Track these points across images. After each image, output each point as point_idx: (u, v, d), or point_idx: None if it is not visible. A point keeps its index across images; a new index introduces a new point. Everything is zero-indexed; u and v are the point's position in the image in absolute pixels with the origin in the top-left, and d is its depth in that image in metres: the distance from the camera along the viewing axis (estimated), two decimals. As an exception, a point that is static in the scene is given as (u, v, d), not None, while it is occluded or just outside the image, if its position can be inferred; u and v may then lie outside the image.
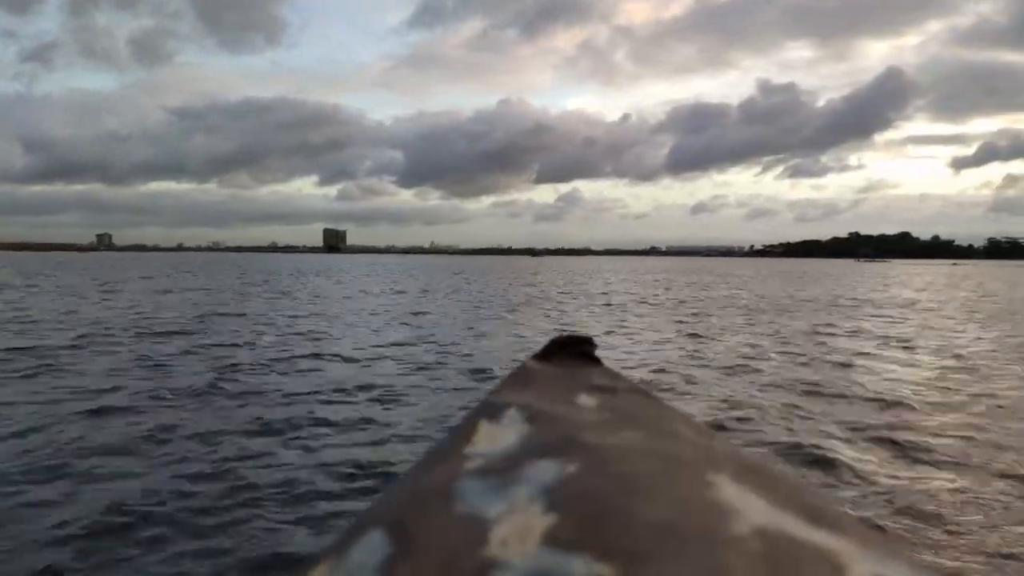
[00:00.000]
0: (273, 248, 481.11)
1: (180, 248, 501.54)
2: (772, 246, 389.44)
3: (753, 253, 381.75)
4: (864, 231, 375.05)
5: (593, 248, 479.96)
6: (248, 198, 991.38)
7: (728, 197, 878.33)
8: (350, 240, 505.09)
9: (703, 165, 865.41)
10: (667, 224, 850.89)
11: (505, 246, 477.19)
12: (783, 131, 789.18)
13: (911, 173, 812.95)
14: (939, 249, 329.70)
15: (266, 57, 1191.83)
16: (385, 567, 0.28)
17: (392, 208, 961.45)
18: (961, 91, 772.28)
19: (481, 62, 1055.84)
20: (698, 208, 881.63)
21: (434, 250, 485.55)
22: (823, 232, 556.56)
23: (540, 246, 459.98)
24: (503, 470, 0.34)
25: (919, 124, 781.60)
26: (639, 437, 0.37)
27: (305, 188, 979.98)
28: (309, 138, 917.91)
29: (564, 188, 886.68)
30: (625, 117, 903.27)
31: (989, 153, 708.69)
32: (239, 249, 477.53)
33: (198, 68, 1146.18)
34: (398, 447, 5.32)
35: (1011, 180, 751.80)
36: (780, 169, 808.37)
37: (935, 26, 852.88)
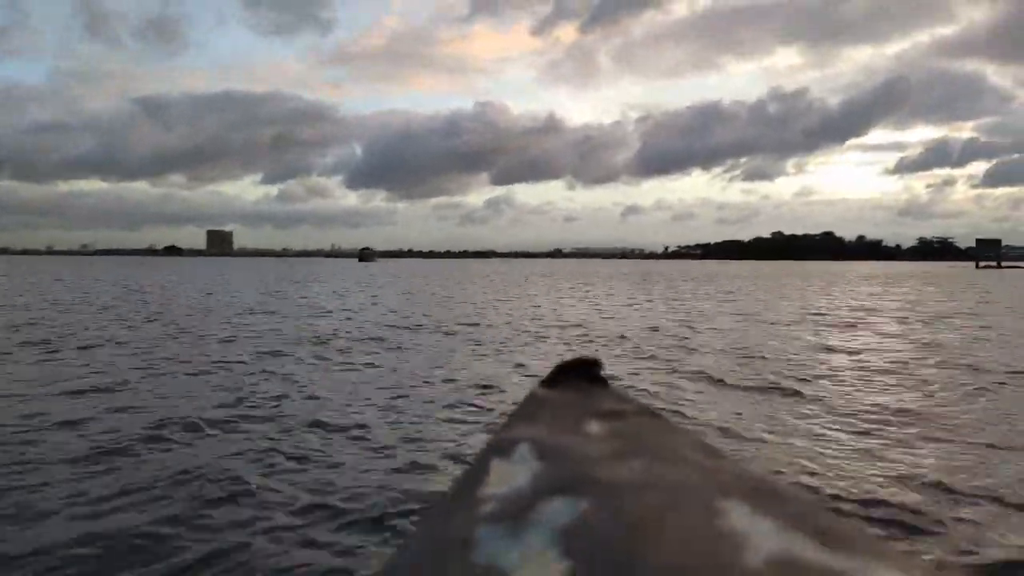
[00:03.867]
0: (150, 251, 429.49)
1: (49, 251, 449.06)
2: (688, 247, 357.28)
3: (668, 255, 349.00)
4: (787, 232, 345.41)
5: (498, 251, 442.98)
6: (180, 198, 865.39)
7: (668, 200, 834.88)
8: (246, 242, 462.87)
9: (666, 168, 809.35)
10: (591, 227, 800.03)
11: (406, 248, 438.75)
12: (761, 135, 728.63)
13: (842, 179, 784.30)
14: (866, 250, 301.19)
15: (300, 43, 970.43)
16: None
17: (322, 209, 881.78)
18: (917, 100, 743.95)
19: (467, 61, 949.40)
20: (629, 211, 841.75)
21: (334, 253, 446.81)
22: (742, 235, 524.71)
23: (451, 248, 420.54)
24: (517, 513, 0.34)
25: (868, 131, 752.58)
26: (648, 466, 0.37)
27: (245, 188, 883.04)
28: (290, 134, 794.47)
29: (515, 189, 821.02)
30: (601, 120, 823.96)
31: (924, 160, 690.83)
32: (112, 252, 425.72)
33: (211, 51, 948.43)
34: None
35: (933, 186, 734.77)
36: (738, 172, 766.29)
37: (921, 36, 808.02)
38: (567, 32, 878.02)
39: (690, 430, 0.44)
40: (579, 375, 0.53)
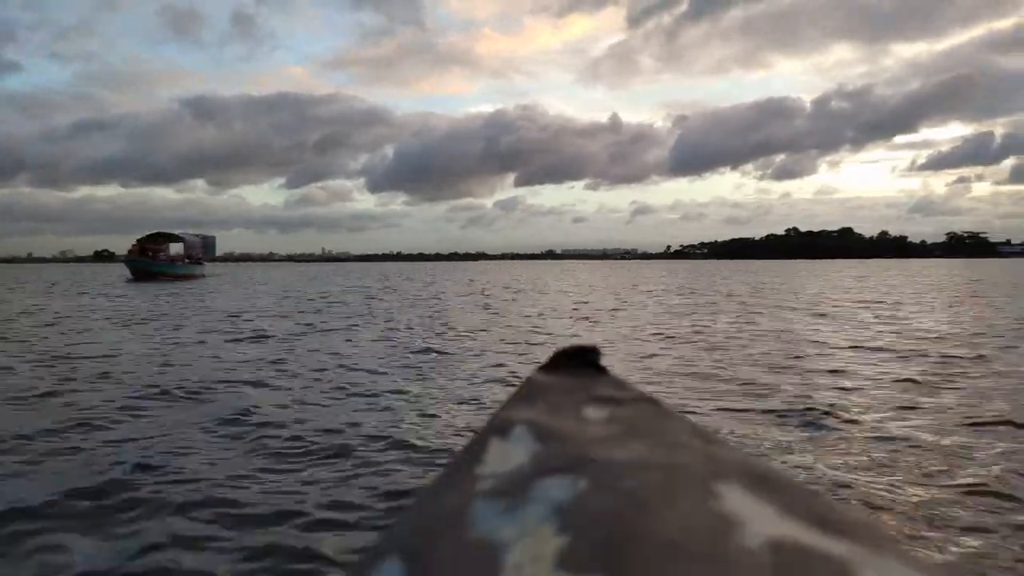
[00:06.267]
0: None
1: (29, 259, 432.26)
2: (692, 246, 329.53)
3: (669, 255, 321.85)
4: (803, 229, 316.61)
5: (488, 252, 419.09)
6: (197, 203, 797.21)
7: (683, 201, 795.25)
8: (234, 247, 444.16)
9: (697, 168, 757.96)
10: (597, 229, 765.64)
11: (395, 252, 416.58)
12: (806, 133, 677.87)
13: (866, 176, 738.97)
14: (889, 247, 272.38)
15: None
16: None
17: (333, 213, 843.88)
18: (964, 96, 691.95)
19: (506, 61, 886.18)
20: (639, 211, 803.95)
21: (325, 257, 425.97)
22: (750, 234, 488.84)
23: (440, 251, 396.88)
24: (514, 490, 0.34)
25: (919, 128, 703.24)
26: (646, 449, 0.37)
27: (264, 193, 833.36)
28: (332, 137, 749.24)
29: (536, 191, 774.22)
30: (636, 119, 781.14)
31: (955, 156, 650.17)
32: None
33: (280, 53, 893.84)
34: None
35: (961, 182, 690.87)
36: (768, 171, 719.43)
37: (978, 31, 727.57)
38: (664, 21, 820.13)
39: (689, 417, 0.44)
40: (578, 362, 0.52)
